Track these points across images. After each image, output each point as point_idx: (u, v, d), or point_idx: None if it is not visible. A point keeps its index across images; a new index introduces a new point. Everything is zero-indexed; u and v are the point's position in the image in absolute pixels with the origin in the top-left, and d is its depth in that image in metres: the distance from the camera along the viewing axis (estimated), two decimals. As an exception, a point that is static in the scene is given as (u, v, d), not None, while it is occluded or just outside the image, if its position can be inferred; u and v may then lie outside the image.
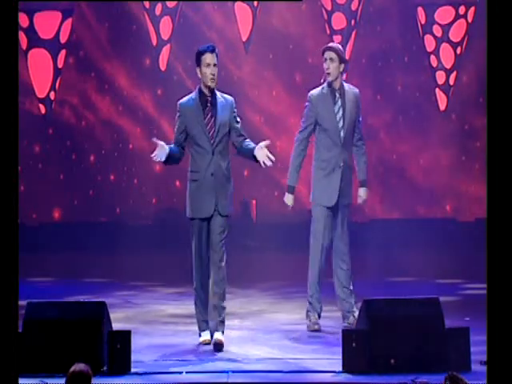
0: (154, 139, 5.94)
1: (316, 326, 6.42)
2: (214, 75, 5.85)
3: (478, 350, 5.44)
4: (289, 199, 6.63)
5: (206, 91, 5.90)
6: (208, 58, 5.88)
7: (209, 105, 5.89)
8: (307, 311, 6.49)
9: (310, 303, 6.48)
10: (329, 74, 6.40)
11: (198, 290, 6.01)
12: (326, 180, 6.45)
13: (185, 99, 5.96)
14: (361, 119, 6.56)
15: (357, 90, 6.50)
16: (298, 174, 6.58)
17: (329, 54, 6.41)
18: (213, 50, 5.90)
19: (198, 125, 5.87)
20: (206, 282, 5.94)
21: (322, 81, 6.50)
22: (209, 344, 5.90)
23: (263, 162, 5.81)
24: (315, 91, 6.49)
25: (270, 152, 5.84)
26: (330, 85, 6.43)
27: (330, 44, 6.61)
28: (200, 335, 6.02)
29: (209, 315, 5.95)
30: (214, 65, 5.86)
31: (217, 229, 5.92)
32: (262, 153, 5.79)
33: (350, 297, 6.50)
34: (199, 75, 5.91)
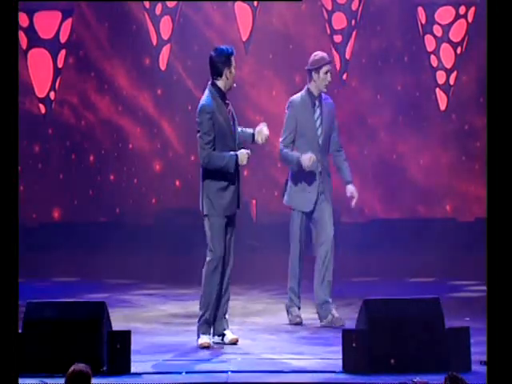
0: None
1: (298, 319, 6.60)
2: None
3: (478, 350, 5.44)
4: (304, 160, 6.54)
5: (225, 90, 6.00)
6: (234, 60, 6.00)
7: (227, 102, 6.02)
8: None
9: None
10: (327, 86, 6.60)
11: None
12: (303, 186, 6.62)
13: (206, 101, 5.94)
14: (336, 127, 6.75)
15: (331, 101, 6.72)
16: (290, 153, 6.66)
17: (330, 67, 6.64)
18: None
19: (224, 123, 5.98)
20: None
21: (304, 92, 6.67)
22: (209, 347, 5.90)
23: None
24: (296, 97, 6.69)
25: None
26: (309, 92, 6.59)
27: (329, 57, 6.78)
28: (199, 337, 5.99)
29: (220, 316, 6.00)
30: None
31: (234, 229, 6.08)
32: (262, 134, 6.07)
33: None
34: (227, 75, 5.95)
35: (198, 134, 5.95)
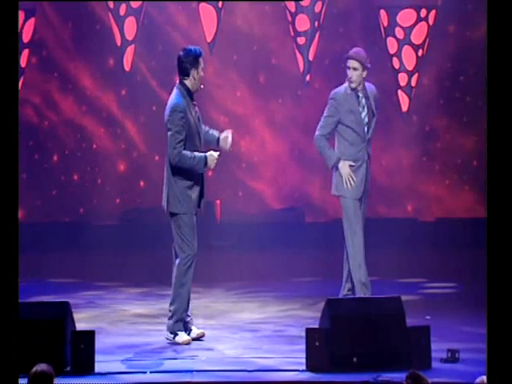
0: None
1: None
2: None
3: (438, 348, 5.54)
4: (345, 166, 6.64)
5: (193, 91, 6.01)
6: (203, 61, 6.00)
7: (195, 103, 6.03)
8: None
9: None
10: (352, 81, 6.60)
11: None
12: (355, 174, 6.63)
13: (177, 100, 5.94)
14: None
15: (373, 87, 6.74)
16: (331, 150, 6.70)
17: (352, 64, 6.61)
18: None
19: (193, 123, 5.98)
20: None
21: (347, 85, 6.68)
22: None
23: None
24: (339, 90, 6.70)
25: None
26: (352, 87, 6.63)
27: (353, 52, 6.69)
28: (178, 335, 6.01)
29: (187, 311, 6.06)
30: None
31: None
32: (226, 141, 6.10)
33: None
34: (195, 76, 5.96)
35: (169, 133, 5.94)
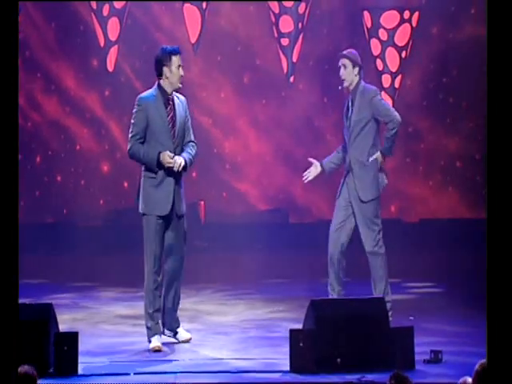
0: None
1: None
2: (181, 76, 5.96)
3: (422, 349, 5.56)
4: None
5: (168, 90, 5.95)
6: (179, 59, 5.97)
7: (170, 103, 5.97)
8: None
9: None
10: (343, 80, 6.60)
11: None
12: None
13: (145, 94, 5.96)
14: (383, 110, 6.65)
15: (371, 90, 6.61)
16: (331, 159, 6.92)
17: (341, 61, 6.63)
18: (180, 52, 6.02)
19: (160, 121, 5.90)
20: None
21: (339, 88, 6.77)
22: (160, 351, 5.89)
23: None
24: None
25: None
26: (344, 86, 6.66)
27: (345, 51, 6.73)
28: (151, 341, 5.97)
29: (171, 311, 6.00)
30: (182, 66, 5.99)
31: (181, 230, 5.98)
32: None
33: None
34: (167, 74, 5.92)
35: (130, 125, 5.97)
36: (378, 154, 6.74)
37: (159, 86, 5.97)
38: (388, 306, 6.03)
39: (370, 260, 6.67)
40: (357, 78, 6.59)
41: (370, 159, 6.70)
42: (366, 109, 6.57)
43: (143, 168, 5.96)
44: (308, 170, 6.93)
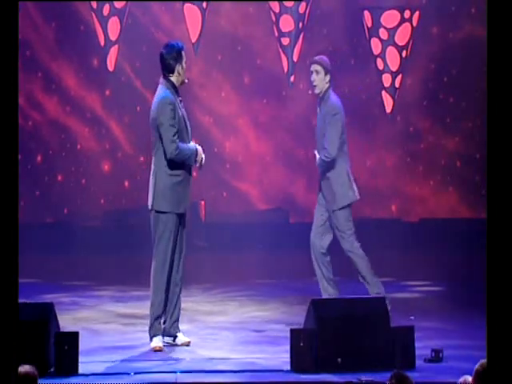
0: None
1: None
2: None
3: (422, 347, 5.56)
4: None
5: (178, 86, 5.98)
6: (185, 54, 6.02)
7: (180, 99, 6.01)
8: None
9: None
10: (315, 86, 6.68)
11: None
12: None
13: (167, 93, 5.90)
14: (326, 132, 6.75)
15: (333, 106, 6.66)
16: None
17: (313, 67, 6.71)
18: None
19: (181, 118, 5.95)
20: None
21: (309, 92, 6.78)
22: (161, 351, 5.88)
23: None
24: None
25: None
26: (316, 92, 6.73)
27: (316, 57, 6.83)
28: (152, 341, 5.94)
29: (173, 317, 5.97)
30: None
31: (184, 228, 6.04)
32: None
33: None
34: (180, 71, 5.93)
35: (163, 127, 5.85)
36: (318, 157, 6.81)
37: (171, 82, 5.94)
38: (383, 297, 6.12)
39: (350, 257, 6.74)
40: (327, 86, 6.68)
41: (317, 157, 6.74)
42: (324, 121, 6.70)
43: (166, 166, 5.89)
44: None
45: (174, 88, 5.95)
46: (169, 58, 5.93)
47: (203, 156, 5.99)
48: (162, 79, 5.99)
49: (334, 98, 6.68)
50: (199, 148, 5.98)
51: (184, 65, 5.97)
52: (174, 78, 5.95)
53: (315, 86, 6.66)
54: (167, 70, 5.95)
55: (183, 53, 5.98)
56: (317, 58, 6.80)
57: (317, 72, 6.65)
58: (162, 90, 5.94)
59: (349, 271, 6.87)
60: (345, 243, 6.72)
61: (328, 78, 6.67)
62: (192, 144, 5.98)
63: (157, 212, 5.92)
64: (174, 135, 5.85)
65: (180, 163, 5.90)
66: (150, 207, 5.98)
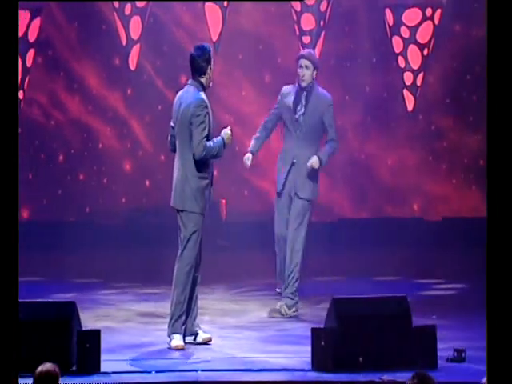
0: None
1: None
2: None
3: (444, 347, 5.53)
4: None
5: (206, 87, 6.08)
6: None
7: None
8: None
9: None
10: (303, 80, 6.84)
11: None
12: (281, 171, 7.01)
13: (203, 95, 6.01)
14: (331, 122, 6.91)
15: (329, 97, 6.93)
16: (257, 141, 7.34)
17: (304, 62, 6.84)
18: None
19: (212, 119, 6.06)
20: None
21: (296, 84, 6.99)
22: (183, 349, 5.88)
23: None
24: (287, 86, 7.07)
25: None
26: (299, 85, 6.89)
27: (306, 52, 7.10)
28: (173, 339, 5.95)
29: (193, 316, 5.99)
30: None
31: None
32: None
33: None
34: (209, 73, 6.02)
35: (196, 128, 5.93)
36: (315, 159, 6.73)
37: (202, 84, 6.02)
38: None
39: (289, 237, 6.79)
40: (313, 81, 6.89)
41: (308, 163, 6.76)
42: (320, 112, 6.84)
43: (195, 169, 5.97)
44: (245, 164, 7.11)
45: (204, 89, 6.02)
46: (201, 61, 5.99)
47: (230, 136, 6.07)
48: (191, 80, 6.05)
49: (321, 89, 6.92)
50: (225, 133, 6.05)
51: (213, 67, 6.02)
52: (204, 80, 6.02)
53: (303, 80, 6.81)
54: (199, 71, 6.01)
55: (212, 55, 6.04)
56: (305, 53, 7.04)
57: (306, 67, 6.86)
58: (195, 91, 6.01)
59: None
60: (295, 233, 6.71)
61: (315, 73, 6.88)
62: (215, 139, 6.04)
63: (189, 213, 5.97)
64: (204, 137, 5.96)
65: (207, 165, 6.02)
66: (179, 208, 6.02)
